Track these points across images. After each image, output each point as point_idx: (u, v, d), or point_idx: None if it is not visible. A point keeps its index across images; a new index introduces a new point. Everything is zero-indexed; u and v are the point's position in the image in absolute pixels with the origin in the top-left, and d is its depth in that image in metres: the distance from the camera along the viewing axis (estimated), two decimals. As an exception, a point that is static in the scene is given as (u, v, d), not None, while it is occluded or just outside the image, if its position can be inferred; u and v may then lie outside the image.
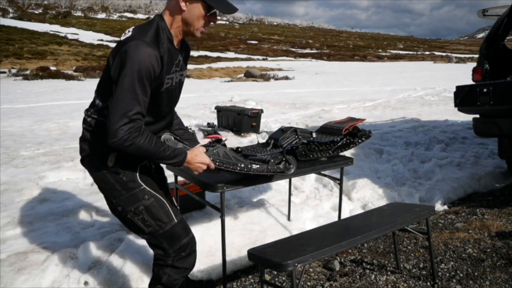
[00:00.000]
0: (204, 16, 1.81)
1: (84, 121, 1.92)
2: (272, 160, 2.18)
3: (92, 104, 1.92)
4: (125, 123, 1.66)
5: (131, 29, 1.77)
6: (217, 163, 1.97)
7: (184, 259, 1.90)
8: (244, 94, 12.64)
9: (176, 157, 1.82)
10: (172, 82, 1.88)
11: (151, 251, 2.64)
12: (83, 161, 1.93)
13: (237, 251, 2.81)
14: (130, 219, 1.86)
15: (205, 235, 2.90)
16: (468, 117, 4.47)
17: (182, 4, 1.76)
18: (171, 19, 1.81)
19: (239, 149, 2.20)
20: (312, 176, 4.06)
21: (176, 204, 2.17)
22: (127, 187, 1.83)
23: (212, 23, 1.87)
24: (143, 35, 1.72)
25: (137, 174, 1.86)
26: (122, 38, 1.75)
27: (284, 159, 2.26)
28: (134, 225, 1.87)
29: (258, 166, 2.13)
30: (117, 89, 1.67)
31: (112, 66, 1.71)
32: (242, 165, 2.07)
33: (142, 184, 1.85)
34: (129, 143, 1.67)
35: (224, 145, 2.10)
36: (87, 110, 1.92)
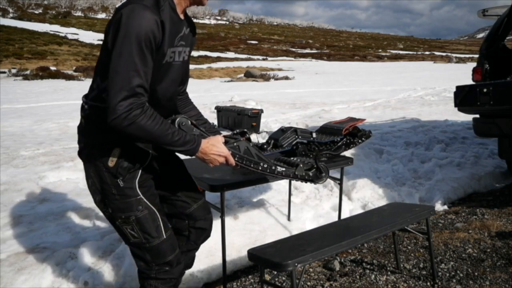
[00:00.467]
0: None
1: (82, 108, 1.71)
2: (301, 165, 1.97)
3: (91, 88, 1.69)
4: (124, 98, 1.46)
5: None
6: (236, 158, 1.75)
7: (168, 272, 1.76)
8: (244, 94, 12.64)
9: (186, 143, 1.60)
10: (176, 56, 1.66)
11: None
12: (80, 154, 1.75)
13: (237, 251, 2.81)
14: (117, 225, 1.72)
15: (205, 235, 2.90)
16: (468, 117, 4.47)
17: None
18: None
19: (264, 146, 1.99)
20: (312, 176, 4.05)
21: (199, 188, 1.96)
22: (123, 194, 1.66)
23: None
24: (145, 1, 1.52)
25: (137, 180, 1.68)
26: (119, 4, 1.56)
27: (315, 166, 2.02)
28: (120, 231, 1.73)
29: (283, 169, 1.92)
30: (113, 60, 1.47)
31: (109, 37, 1.53)
32: (265, 166, 1.86)
33: (139, 194, 1.68)
34: (130, 121, 1.47)
35: (249, 139, 1.90)
36: (85, 96, 1.70)
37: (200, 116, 2.03)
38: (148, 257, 1.72)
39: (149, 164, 1.73)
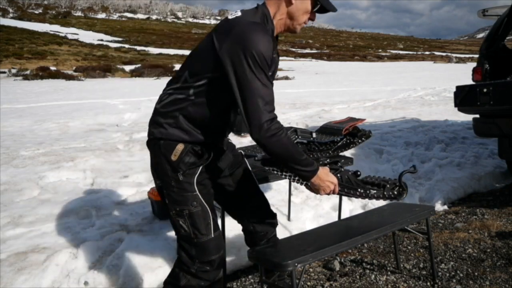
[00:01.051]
0: (309, 12, 1.76)
1: (160, 100, 1.79)
2: (388, 186, 2.10)
3: (174, 81, 1.77)
4: (269, 112, 1.60)
5: (238, 11, 1.71)
6: (339, 188, 1.91)
7: (208, 272, 1.80)
8: (244, 94, 12.62)
9: (310, 165, 1.74)
10: (273, 75, 1.78)
11: (151, 252, 2.66)
12: (148, 144, 1.82)
13: (237, 251, 2.81)
14: (171, 215, 1.79)
15: (205, 235, 2.90)
16: (468, 117, 4.47)
17: None
18: (276, 10, 1.73)
19: (359, 173, 2.08)
20: (312, 176, 4.05)
21: (257, 183, 2.08)
22: (181, 187, 1.73)
23: (311, 20, 1.80)
24: (255, 18, 1.66)
25: (195, 177, 1.74)
26: (231, 17, 1.68)
27: (398, 184, 2.15)
28: (173, 222, 1.79)
29: (375, 191, 2.07)
30: (243, 77, 1.57)
31: (222, 46, 1.59)
32: (362, 191, 2.02)
33: (196, 190, 1.74)
34: (272, 133, 1.61)
35: (340, 167, 2.05)
36: (166, 89, 1.79)
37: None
38: (194, 252, 1.77)
39: (209, 164, 1.80)
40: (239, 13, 1.69)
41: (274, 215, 2.07)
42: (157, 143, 1.75)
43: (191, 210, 1.74)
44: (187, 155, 1.71)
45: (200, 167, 1.75)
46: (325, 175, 1.80)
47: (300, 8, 1.74)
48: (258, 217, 2.02)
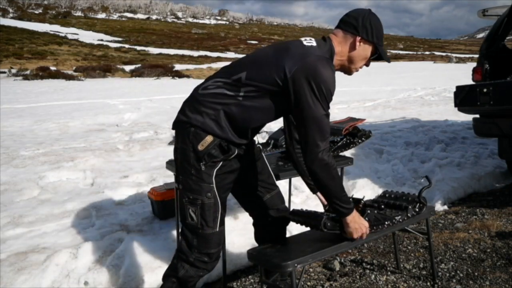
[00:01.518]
0: (367, 58, 1.87)
1: (205, 87, 1.80)
2: (410, 207, 2.18)
3: (226, 73, 1.80)
4: (323, 139, 1.71)
5: (313, 39, 1.81)
6: (370, 229, 1.98)
7: (206, 263, 1.84)
8: (244, 94, 12.62)
9: (348, 203, 1.84)
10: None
11: (151, 252, 2.66)
12: (176, 124, 1.83)
13: (237, 251, 2.81)
14: (183, 202, 1.81)
15: (205, 235, 2.89)
16: (468, 117, 4.47)
17: (358, 44, 1.81)
18: (339, 50, 1.83)
19: (381, 205, 2.12)
20: (312, 176, 4.05)
21: (272, 175, 2.13)
22: (200, 177, 1.76)
23: (365, 66, 1.94)
24: (326, 53, 1.78)
25: (215, 170, 1.78)
26: (306, 44, 1.78)
27: (417, 200, 2.25)
28: (183, 208, 1.83)
29: (399, 217, 2.13)
30: (313, 107, 1.68)
31: (294, 70, 1.67)
32: (388, 222, 2.08)
33: (213, 182, 1.78)
34: (324, 162, 1.71)
35: (365, 204, 2.08)
36: (213, 81, 1.81)
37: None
38: (195, 242, 1.81)
39: (230, 161, 1.84)
40: (314, 43, 1.78)
41: (288, 212, 2.10)
42: (187, 129, 1.76)
43: (204, 201, 1.77)
44: (214, 148, 1.74)
45: (222, 162, 1.79)
46: (359, 217, 1.88)
47: (361, 54, 1.84)
48: (272, 211, 2.05)
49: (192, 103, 1.80)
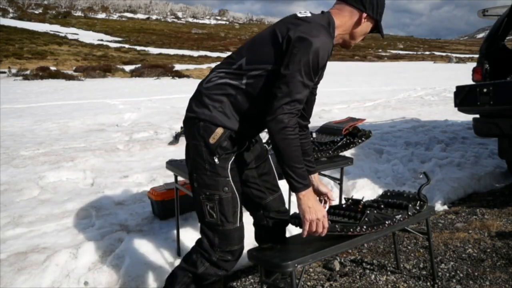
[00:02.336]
0: (366, 34, 1.89)
1: (209, 80, 1.79)
2: (410, 205, 2.16)
3: (227, 64, 1.79)
4: (288, 103, 1.62)
5: (308, 11, 1.78)
6: (371, 229, 1.96)
7: (228, 262, 1.80)
8: (244, 94, 12.62)
9: (304, 178, 1.72)
10: (320, 78, 1.87)
11: (151, 252, 2.66)
12: (185, 121, 1.81)
13: (237, 251, 2.81)
14: (199, 200, 1.76)
15: (205, 235, 2.89)
16: (468, 117, 4.47)
17: (363, 20, 1.81)
18: (341, 24, 1.81)
19: (381, 204, 2.11)
20: (312, 176, 4.05)
21: (277, 177, 2.10)
22: (215, 171, 1.72)
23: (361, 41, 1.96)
24: (323, 21, 1.73)
25: (229, 163, 1.75)
26: (300, 15, 1.75)
27: (417, 198, 2.24)
28: (200, 207, 1.78)
29: (400, 215, 2.11)
30: (291, 67, 1.61)
31: (287, 35, 1.65)
32: (389, 221, 2.05)
33: (229, 175, 1.75)
34: (286, 131, 1.62)
35: (364, 205, 2.06)
36: (216, 72, 1.80)
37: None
38: (217, 240, 1.76)
39: (241, 153, 1.85)
40: (308, 14, 1.76)
41: (288, 214, 2.09)
42: (196, 124, 1.74)
43: (222, 196, 1.73)
44: (225, 140, 1.72)
45: (234, 154, 1.77)
46: (316, 201, 1.76)
47: (363, 30, 1.85)
48: (273, 213, 2.04)
49: (198, 98, 1.79)
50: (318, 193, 2.14)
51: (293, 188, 1.72)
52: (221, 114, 1.72)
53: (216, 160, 1.72)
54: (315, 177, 2.14)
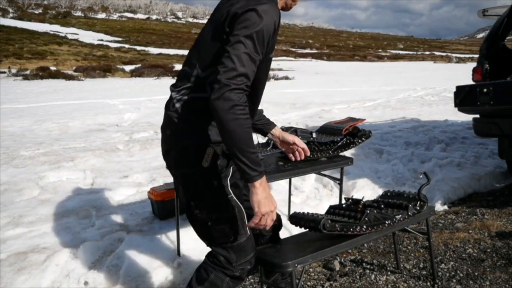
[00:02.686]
0: None
1: (173, 105, 1.63)
2: (410, 205, 2.16)
3: (184, 78, 1.63)
4: (234, 77, 1.43)
5: None
6: (371, 229, 1.96)
7: (248, 271, 1.74)
8: (244, 94, 12.62)
9: (258, 164, 1.50)
10: (272, 52, 1.66)
11: (151, 252, 2.66)
12: (167, 155, 1.68)
13: (237, 251, 2.81)
14: (206, 226, 1.65)
15: (205, 235, 2.90)
16: (468, 117, 4.47)
17: None
18: None
19: (381, 204, 2.10)
20: (312, 176, 4.06)
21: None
22: (216, 194, 1.62)
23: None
24: None
25: (228, 179, 1.64)
26: None
27: (417, 198, 2.24)
28: (207, 232, 1.68)
29: (400, 215, 2.10)
30: (233, 40, 1.45)
31: (226, 21, 1.51)
32: (389, 221, 2.04)
33: (231, 192, 1.65)
34: (235, 111, 1.41)
35: (364, 205, 2.06)
36: (177, 91, 1.63)
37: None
38: (234, 256, 1.68)
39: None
40: None
41: (280, 220, 2.05)
42: (182, 152, 1.62)
43: (229, 215, 1.64)
44: (218, 158, 1.61)
45: (231, 168, 1.65)
46: (269, 190, 1.58)
47: None
48: None
49: (172, 125, 1.64)
50: (286, 143, 2.09)
51: (246, 177, 1.50)
52: (203, 132, 1.59)
53: (214, 182, 1.61)
54: (276, 129, 2.11)
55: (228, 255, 1.68)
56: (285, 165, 2.60)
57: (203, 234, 1.72)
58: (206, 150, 1.59)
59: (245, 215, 1.69)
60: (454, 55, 58.86)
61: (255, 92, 1.66)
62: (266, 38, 1.52)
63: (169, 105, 1.66)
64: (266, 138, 2.84)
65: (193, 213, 1.68)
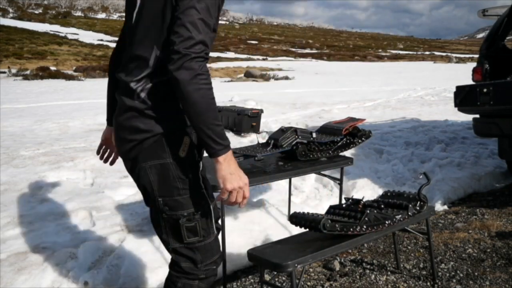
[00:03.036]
0: None
1: (137, 96, 1.46)
2: (410, 205, 2.17)
3: (141, 65, 1.47)
4: (193, 45, 1.31)
5: None
6: (371, 229, 1.97)
7: (214, 270, 1.61)
8: (244, 94, 12.64)
9: (224, 138, 1.39)
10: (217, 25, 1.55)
11: (151, 251, 2.66)
12: (131, 151, 1.51)
13: (237, 251, 2.81)
14: (175, 224, 1.51)
15: (205, 235, 2.89)
16: (468, 117, 4.47)
17: None
18: None
19: (381, 204, 2.11)
20: (312, 176, 4.06)
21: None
22: (189, 187, 1.48)
23: None
24: None
25: (200, 172, 1.52)
26: None
27: (417, 198, 2.25)
28: (175, 230, 1.52)
29: (400, 215, 2.12)
30: (184, 5, 1.33)
31: None
32: (389, 221, 2.06)
33: (203, 186, 1.53)
34: (199, 80, 1.31)
35: (364, 205, 2.07)
36: (136, 81, 1.46)
37: None
38: (199, 257, 1.55)
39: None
40: None
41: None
42: (155, 141, 1.47)
43: (201, 211, 1.52)
44: (194, 149, 1.50)
45: (201, 161, 1.55)
46: (237, 164, 1.45)
47: None
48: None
49: (139, 116, 1.47)
50: None
51: (211, 152, 1.39)
52: (176, 116, 1.45)
53: (189, 174, 1.49)
54: None
55: (193, 256, 1.55)
56: (285, 165, 2.60)
57: (171, 234, 1.55)
58: (182, 138, 1.47)
59: (213, 211, 1.58)
60: (454, 55, 58.86)
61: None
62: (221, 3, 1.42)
63: (133, 97, 1.48)
64: (267, 138, 2.84)
65: (161, 211, 1.52)
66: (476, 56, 4.75)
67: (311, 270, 2.70)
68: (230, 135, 6.11)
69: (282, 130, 2.70)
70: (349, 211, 2.04)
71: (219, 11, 1.45)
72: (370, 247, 3.02)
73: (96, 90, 15.74)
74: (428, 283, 2.49)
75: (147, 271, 2.50)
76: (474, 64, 4.61)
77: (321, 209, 3.56)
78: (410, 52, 72.64)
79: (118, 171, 4.22)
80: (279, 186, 3.84)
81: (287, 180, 3.35)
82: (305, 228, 1.99)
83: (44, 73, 22.07)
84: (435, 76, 23.55)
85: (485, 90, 3.66)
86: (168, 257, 2.66)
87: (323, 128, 2.95)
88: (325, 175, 2.99)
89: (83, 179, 3.99)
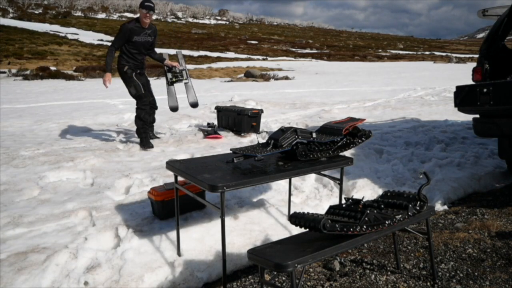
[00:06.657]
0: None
1: (143, 64, 5.58)
2: (410, 205, 2.19)
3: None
4: (113, 44, 5.27)
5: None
6: (371, 229, 1.98)
7: (145, 105, 4.77)
8: (244, 94, 12.64)
9: (108, 66, 5.27)
10: (140, 39, 5.31)
11: (151, 252, 2.66)
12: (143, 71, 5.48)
13: (237, 251, 2.81)
14: (129, 89, 5.18)
15: (205, 235, 2.90)
16: (468, 117, 4.47)
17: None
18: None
19: (381, 204, 2.12)
20: (312, 176, 4.06)
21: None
22: (129, 77, 5.30)
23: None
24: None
25: (134, 74, 5.35)
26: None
27: (417, 198, 2.27)
28: (129, 90, 5.29)
29: (400, 215, 2.13)
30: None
31: None
32: (389, 221, 2.07)
33: (134, 77, 5.34)
34: (109, 52, 5.23)
35: (364, 205, 2.08)
36: (142, 58, 5.59)
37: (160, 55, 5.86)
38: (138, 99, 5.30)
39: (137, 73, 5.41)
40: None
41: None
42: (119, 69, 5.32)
43: (134, 83, 5.27)
44: (129, 69, 5.29)
45: (134, 72, 5.32)
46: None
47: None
48: (152, 101, 5.98)
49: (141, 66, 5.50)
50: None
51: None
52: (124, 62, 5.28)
53: (129, 75, 5.24)
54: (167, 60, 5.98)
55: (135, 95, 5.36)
56: (285, 165, 2.60)
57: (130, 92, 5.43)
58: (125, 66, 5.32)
59: (141, 87, 5.29)
60: (454, 55, 58.86)
61: (136, 50, 5.31)
62: (126, 34, 5.23)
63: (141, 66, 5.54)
64: (267, 138, 2.85)
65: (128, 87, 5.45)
66: (476, 56, 4.75)
67: (311, 270, 2.70)
68: (230, 135, 6.11)
69: (282, 130, 2.70)
70: (349, 211, 2.04)
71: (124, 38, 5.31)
72: (370, 247, 3.02)
73: (96, 90, 15.73)
74: (428, 283, 2.49)
75: (147, 271, 2.50)
76: (474, 64, 4.61)
77: (321, 209, 3.56)
78: (410, 52, 72.64)
79: (118, 171, 4.22)
80: (279, 186, 3.84)
81: (287, 180, 3.35)
82: (305, 228, 1.99)
83: (44, 73, 22.07)
84: (435, 76, 23.55)
85: (485, 90, 3.66)
86: (168, 257, 2.67)
87: (323, 128, 2.95)
88: (325, 175, 2.99)
89: (83, 179, 3.99)
